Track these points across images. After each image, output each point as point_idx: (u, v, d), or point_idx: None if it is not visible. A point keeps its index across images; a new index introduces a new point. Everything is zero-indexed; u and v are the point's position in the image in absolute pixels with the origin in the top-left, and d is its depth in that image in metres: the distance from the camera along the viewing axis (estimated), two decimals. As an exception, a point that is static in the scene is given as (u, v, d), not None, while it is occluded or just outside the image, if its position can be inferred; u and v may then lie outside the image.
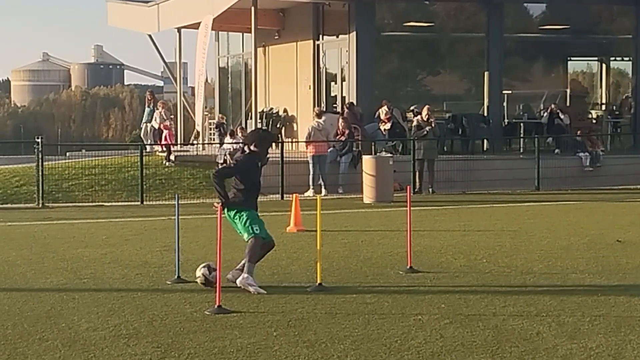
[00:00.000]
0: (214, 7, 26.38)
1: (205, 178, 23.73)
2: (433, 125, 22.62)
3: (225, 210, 10.17)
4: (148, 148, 25.70)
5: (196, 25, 27.70)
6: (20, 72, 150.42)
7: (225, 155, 24.46)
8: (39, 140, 21.36)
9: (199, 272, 10.35)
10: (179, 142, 29.36)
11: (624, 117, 29.49)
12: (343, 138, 23.20)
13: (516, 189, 22.93)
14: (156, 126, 26.84)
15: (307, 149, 22.79)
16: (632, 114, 29.01)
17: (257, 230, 10.19)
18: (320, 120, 23.03)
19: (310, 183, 22.13)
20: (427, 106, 23.16)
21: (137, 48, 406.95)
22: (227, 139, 25.64)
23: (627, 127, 29.53)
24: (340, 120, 23.40)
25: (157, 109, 27.26)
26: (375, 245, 13.70)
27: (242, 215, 10.21)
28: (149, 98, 28.25)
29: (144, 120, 27.86)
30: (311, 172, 22.25)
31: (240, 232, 10.33)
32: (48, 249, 13.61)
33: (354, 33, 25.72)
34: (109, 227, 16.61)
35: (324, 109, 25.62)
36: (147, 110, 27.85)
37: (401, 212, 16.66)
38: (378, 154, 22.83)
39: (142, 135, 27.99)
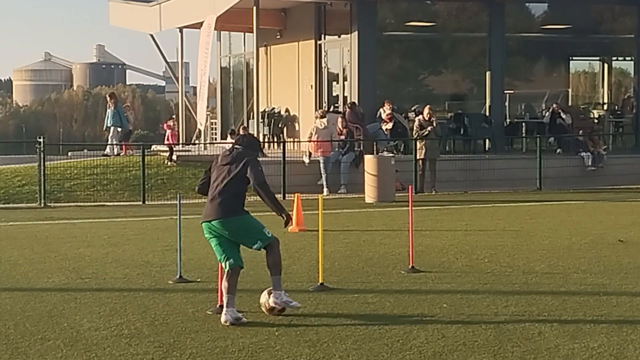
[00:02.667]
0: (216, 7, 26.38)
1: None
2: (435, 124, 22.64)
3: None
4: (116, 151, 25.58)
5: (198, 25, 27.70)
6: (22, 71, 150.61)
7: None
8: (41, 140, 21.38)
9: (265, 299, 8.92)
10: (180, 141, 29.33)
11: (626, 116, 29.49)
12: (342, 137, 23.22)
13: (518, 188, 22.92)
14: (130, 128, 27.50)
15: (315, 150, 22.81)
16: (634, 114, 29.02)
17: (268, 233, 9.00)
18: (324, 120, 23.09)
19: (324, 183, 22.20)
20: (428, 106, 23.18)
21: (139, 48, 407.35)
22: (228, 139, 25.62)
23: (629, 127, 29.53)
24: (339, 120, 23.41)
25: (125, 112, 27.22)
26: (377, 245, 13.69)
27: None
28: (109, 100, 27.10)
29: (110, 124, 26.54)
30: (324, 174, 22.31)
31: (248, 243, 9.06)
32: (50, 249, 13.61)
33: (356, 33, 25.71)
34: (110, 226, 16.62)
35: (327, 110, 25.61)
36: (109, 112, 26.55)
37: (403, 211, 16.66)
38: (380, 153, 22.82)
39: (109, 137, 26.58)
